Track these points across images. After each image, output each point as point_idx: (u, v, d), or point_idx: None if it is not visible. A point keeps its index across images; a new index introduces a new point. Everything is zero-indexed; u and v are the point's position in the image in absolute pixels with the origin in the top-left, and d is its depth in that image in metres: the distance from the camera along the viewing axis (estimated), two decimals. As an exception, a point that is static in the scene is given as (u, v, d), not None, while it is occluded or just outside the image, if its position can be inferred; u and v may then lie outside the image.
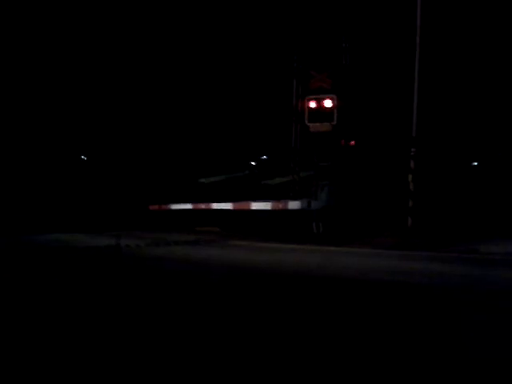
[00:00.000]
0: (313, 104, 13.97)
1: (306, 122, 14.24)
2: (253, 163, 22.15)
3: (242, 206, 16.07)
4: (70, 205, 19.84)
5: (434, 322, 4.25)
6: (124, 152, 23.14)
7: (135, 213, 19.54)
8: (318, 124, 14.00)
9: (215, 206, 17.33)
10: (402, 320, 4.33)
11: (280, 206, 14.60)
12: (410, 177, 12.42)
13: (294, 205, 14.17)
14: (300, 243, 11.96)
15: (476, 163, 17.02)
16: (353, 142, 14.20)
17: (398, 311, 4.67)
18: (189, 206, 18.63)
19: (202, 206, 17.93)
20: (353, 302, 5.14)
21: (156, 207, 20.53)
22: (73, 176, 22.71)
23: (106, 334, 3.85)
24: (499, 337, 3.80)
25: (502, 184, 14.87)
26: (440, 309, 4.75)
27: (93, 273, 7.20)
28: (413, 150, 12.50)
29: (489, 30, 15.36)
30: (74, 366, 3.12)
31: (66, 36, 22.08)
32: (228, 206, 16.66)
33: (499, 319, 4.36)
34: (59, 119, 22.91)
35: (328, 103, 13.76)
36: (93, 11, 21.94)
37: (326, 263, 8.52)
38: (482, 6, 15.34)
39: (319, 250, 10.80)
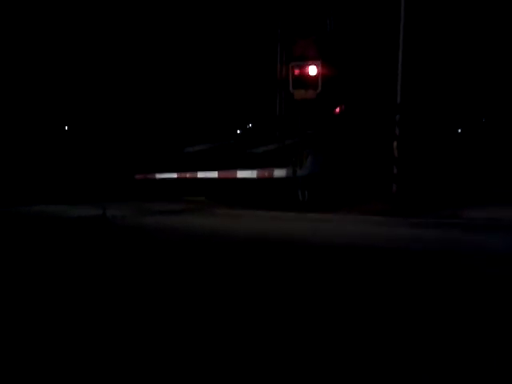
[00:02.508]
0: (297, 71, 13.85)
1: (291, 89, 14.15)
2: (238, 131, 22.02)
3: (227, 174, 16.04)
4: (54, 176, 19.64)
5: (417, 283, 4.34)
6: (108, 121, 22.85)
7: (120, 182, 19.42)
8: (302, 91, 13.92)
9: (201, 174, 17.28)
10: (390, 284, 4.40)
11: (266, 174, 14.60)
12: (395, 144, 12.46)
13: (279, 173, 14.18)
14: (286, 211, 12.02)
15: (460, 130, 17.13)
16: (337, 110, 14.17)
17: (385, 275, 4.74)
18: (174, 176, 18.55)
19: (188, 174, 17.86)
20: (339, 268, 5.21)
21: (141, 176, 20.41)
22: (55, 146, 22.42)
23: (98, 305, 3.87)
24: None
25: (485, 150, 15.01)
26: (421, 271, 4.85)
27: (81, 243, 7.19)
28: (397, 116, 12.51)
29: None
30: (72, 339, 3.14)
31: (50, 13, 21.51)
32: (214, 174, 16.62)
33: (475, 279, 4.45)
34: (42, 88, 22.49)
35: (312, 70, 13.65)
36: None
37: (312, 230, 8.61)
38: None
39: (305, 218, 10.88)
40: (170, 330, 3.21)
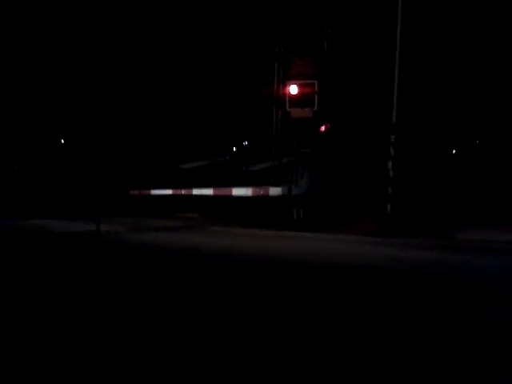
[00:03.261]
0: (294, 89, 13.94)
1: (287, 107, 14.23)
2: (234, 149, 22.10)
3: (222, 191, 16.05)
4: (49, 189, 19.61)
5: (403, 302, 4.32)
6: (104, 136, 22.90)
7: (115, 198, 19.41)
8: (298, 110, 14.00)
9: (196, 191, 17.29)
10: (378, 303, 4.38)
11: (261, 192, 14.62)
12: (390, 164, 12.50)
13: (274, 191, 14.20)
14: (280, 229, 12.01)
15: (455, 151, 17.23)
16: (323, 129, 14.21)
17: (372, 295, 4.72)
18: (169, 192, 18.55)
19: (183, 191, 17.87)
20: (328, 286, 5.18)
21: (136, 192, 20.41)
22: (51, 160, 22.42)
23: (90, 321, 3.83)
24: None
25: (479, 171, 15.08)
26: (407, 291, 4.83)
27: (74, 258, 7.14)
28: (393, 137, 12.57)
29: (469, 19, 15.45)
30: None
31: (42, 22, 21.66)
32: (209, 191, 16.63)
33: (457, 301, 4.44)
34: (38, 102, 22.55)
35: (309, 89, 13.75)
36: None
37: (306, 249, 8.59)
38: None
39: (299, 237, 10.87)
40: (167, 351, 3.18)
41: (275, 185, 14.69)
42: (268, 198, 14.11)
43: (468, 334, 3.61)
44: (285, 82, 14.67)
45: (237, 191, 15.36)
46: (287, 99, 14.15)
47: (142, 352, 3.16)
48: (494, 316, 4.09)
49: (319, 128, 14.23)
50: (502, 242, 9.24)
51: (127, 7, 21.54)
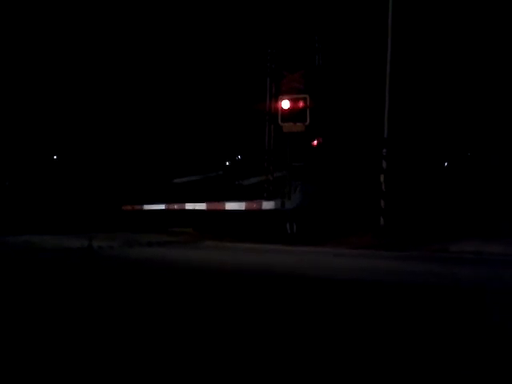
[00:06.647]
0: (286, 104, 14.02)
1: (279, 122, 14.30)
2: (227, 163, 22.14)
3: (216, 206, 16.04)
4: (41, 205, 19.53)
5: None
6: (97, 152, 22.89)
7: (108, 213, 19.34)
8: (291, 124, 14.07)
9: (189, 206, 17.26)
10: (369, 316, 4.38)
11: (254, 206, 14.62)
12: (382, 177, 12.56)
13: (267, 205, 14.21)
14: (274, 243, 11.99)
15: (446, 163, 17.32)
16: (315, 143, 14.28)
17: (365, 308, 4.72)
18: (162, 207, 18.51)
19: (176, 206, 17.84)
20: (323, 301, 5.18)
21: (129, 207, 20.34)
22: (44, 176, 22.36)
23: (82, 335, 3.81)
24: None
25: (471, 183, 15.16)
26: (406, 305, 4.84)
27: (65, 275, 7.10)
28: (384, 150, 12.64)
29: (460, 33, 15.64)
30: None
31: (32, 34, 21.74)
32: (202, 206, 16.61)
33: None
34: (31, 118, 22.54)
35: (301, 103, 13.84)
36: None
37: (299, 264, 8.58)
38: (454, 11, 15.63)
39: (292, 251, 10.85)
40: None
41: (268, 199, 14.72)
42: (261, 212, 14.11)
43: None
44: (277, 97, 14.77)
45: (230, 205, 15.36)
46: (279, 114, 14.23)
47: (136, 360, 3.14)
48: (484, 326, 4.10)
49: (311, 142, 14.30)
50: (495, 254, 9.27)
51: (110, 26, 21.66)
